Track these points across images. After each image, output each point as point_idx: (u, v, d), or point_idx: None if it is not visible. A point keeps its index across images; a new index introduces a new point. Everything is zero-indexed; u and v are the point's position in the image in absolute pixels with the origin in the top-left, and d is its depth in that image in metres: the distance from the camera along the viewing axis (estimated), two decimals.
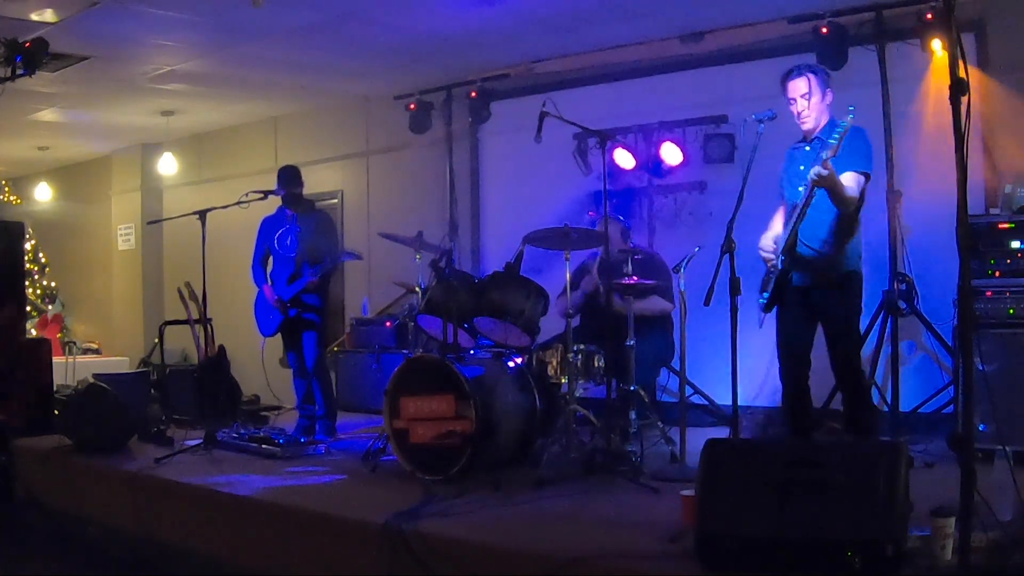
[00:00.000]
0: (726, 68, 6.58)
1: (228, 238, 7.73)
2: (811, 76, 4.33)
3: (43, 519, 5.50)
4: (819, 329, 4.45)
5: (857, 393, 4.38)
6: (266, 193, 6.00)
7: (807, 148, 4.41)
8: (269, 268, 6.31)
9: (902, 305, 5.74)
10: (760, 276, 4.45)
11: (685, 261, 5.12)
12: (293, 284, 6.04)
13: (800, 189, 4.27)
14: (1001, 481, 3.30)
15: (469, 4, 6.06)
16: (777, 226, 4.50)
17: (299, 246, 6.11)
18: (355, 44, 6.96)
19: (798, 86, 4.33)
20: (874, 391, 5.67)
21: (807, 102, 4.32)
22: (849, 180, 4.17)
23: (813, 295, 4.33)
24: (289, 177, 6.17)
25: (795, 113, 4.37)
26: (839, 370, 4.34)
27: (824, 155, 3.99)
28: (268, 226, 6.30)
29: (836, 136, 3.96)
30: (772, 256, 4.34)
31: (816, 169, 3.99)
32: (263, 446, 5.48)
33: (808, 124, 4.36)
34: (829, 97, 4.38)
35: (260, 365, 6.51)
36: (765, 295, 4.35)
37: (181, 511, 4.66)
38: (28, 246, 10.81)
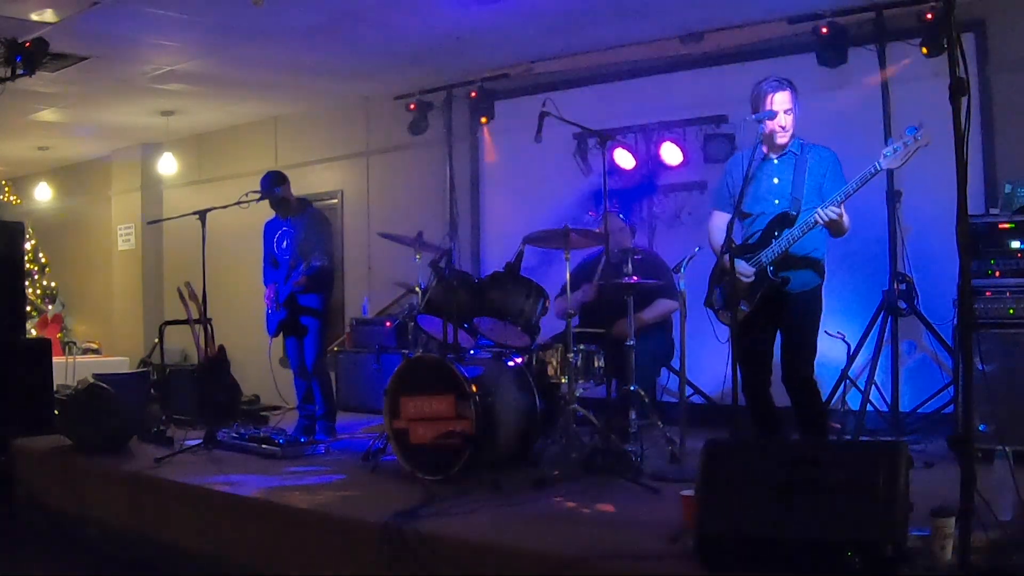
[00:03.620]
0: (726, 68, 6.58)
1: (228, 238, 7.75)
2: (791, 91, 4.29)
3: (43, 519, 5.50)
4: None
5: (808, 401, 4.32)
6: (262, 195, 6.01)
7: (776, 161, 4.36)
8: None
9: (902, 305, 5.73)
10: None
11: (685, 261, 5.11)
12: (285, 286, 6.07)
13: (775, 202, 4.29)
14: (1001, 481, 3.29)
15: (469, 4, 6.06)
16: (721, 236, 4.34)
17: (292, 248, 6.12)
18: (355, 44, 6.97)
19: (786, 99, 4.26)
20: (874, 391, 5.68)
21: (788, 118, 4.28)
22: (841, 209, 4.16)
23: (793, 301, 4.27)
24: (268, 182, 6.12)
25: (775, 125, 4.26)
26: (793, 375, 4.27)
27: (837, 198, 4.02)
28: (269, 230, 6.34)
29: (899, 148, 3.87)
30: (750, 276, 4.29)
31: (828, 212, 4.00)
32: (263, 446, 5.48)
33: (784, 139, 4.31)
34: (797, 111, 4.35)
35: (263, 366, 6.50)
36: (743, 308, 4.28)
37: (181, 511, 4.65)
38: (28, 246, 10.82)
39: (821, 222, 4.06)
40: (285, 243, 6.16)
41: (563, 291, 4.94)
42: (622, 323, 5.12)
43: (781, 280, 4.23)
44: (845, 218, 4.15)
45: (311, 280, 5.95)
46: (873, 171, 3.94)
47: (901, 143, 3.87)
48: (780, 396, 4.42)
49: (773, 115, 4.26)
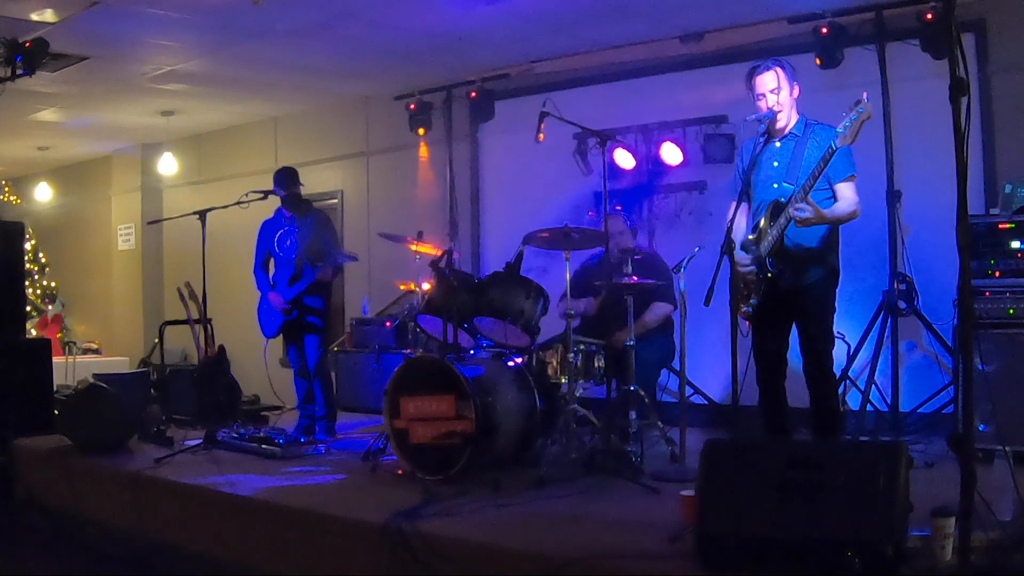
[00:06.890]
0: (726, 68, 6.56)
1: (228, 238, 7.75)
2: (779, 70, 4.22)
3: (43, 519, 5.50)
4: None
5: (828, 393, 4.28)
6: (266, 193, 6.00)
7: (777, 144, 4.29)
8: (272, 271, 6.32)
9: (902, 305, 5.74)
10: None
11: (685, 261, 5.11)
12: (294, 285, 6.04)
13: (774, 187, 4.22)
14: (1001, 481, 3.30)
15: (469, 4, 6.06)
16: (741, 224, 4.34)
17: (299, 248, 6.11)
18: (355, 44, 6.97)
19: (766, 81, 4.23)
20: (874, 391, 5.68)
21: (776, 97, 4.21)
22: (848, 191, 4.13)
23: (801, 294, 4.21)
24: (286, 179, 6.17)
25: (763, 109, 4.24)
26: (813, 369, 4.24)
27: (797, 196, 3.94)
28: (267, 229, 6.31)
29: (848, 125, 3.82)
30: (750, 266, 4.22)
31: (795, 215, 3.94)
32: (263, 446, 5.48)
33: (781, 121, 4.26)
34: (796, 91, 4.28)
35: (263, 366, 6.51)
36: (753, 302, 4.21)
37: (181, 511, 4.65)
38: (28, 246, 10.81)
39: (796, 220, 3.98)
40: (289, 242, 6.15)
41: (564, 296, 4.93)
42: (620, 334, 5.11)
43: (778, 272, 4.16)
44: (843, 207, 4.08)
45: (319, 281, 5.97)
46: (831, 150, 3.89)
47: (848, 119, 3.83)
48: (795, 398, 4.41)
49: (772, 115, 4.23)
